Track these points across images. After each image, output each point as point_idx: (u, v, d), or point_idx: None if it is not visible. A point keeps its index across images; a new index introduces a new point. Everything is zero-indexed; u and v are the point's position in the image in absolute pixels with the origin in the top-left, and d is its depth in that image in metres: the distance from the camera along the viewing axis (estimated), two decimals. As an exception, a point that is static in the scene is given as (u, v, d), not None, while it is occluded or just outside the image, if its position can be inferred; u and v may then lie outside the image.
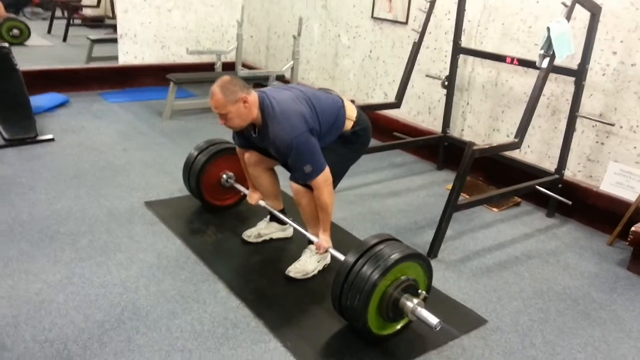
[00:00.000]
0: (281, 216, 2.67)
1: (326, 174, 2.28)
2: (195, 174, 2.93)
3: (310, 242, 2.52)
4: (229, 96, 2.19)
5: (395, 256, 1.98)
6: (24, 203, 2.99)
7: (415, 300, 2.00)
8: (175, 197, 3.24)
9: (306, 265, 2.48)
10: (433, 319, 1.94)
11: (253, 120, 2.29)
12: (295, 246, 2.71)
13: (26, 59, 5.22)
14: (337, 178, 2.46)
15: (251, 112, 2.25)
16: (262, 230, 2.77)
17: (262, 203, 2.75)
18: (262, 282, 2.45)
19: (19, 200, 3.02)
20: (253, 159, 2.59)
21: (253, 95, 2.26)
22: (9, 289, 2.25)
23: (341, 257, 2.20)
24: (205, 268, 2.51)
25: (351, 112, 2.46)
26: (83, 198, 3.12)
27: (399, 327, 2.12)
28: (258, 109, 2.27)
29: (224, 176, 3.01)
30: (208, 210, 3.07)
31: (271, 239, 2.79)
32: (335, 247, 2.42)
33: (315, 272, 2.50)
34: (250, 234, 2.76)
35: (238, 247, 2.74)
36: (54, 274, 2.37)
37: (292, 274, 2.45)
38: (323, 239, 2.41)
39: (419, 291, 2.06)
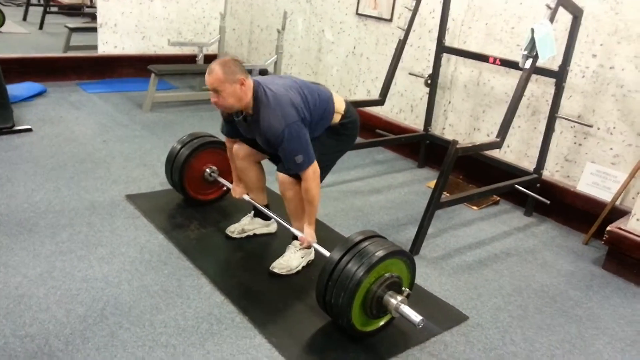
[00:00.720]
0: (265, 211, 2.67)
1: (315, 166, 2.29)
2: (178, 167, 2.90)
3: (295, 238, 2.52)
4: (228, 75, 2.18)
5: (379, 253, 2.00)
6: (1, 195, 2.93)
7: (399, 297, 2.02)
8: (156, 191, 3.20)
9: (290, 261, 2.49)
10: (416, 317, 1.97)
11: (245, 105, 2.27)
12: (279, 242, 2.71)
13: (1, 47, 5.08)
14: (325, 170, 2.47)
15: (246, 96, 2.24)
16: (246, 226, 2.76)
17: (246, 197, 2.74)
18: (246, 278, 2.45)
19: (-5, 191, 2.96)
20: (242, 151, 2.58)
21: (250, 81, 2.25)
22: (-14, 282, 2.20)
23: (326, 252, 2.21)
24: (189, 263, 2.49)
25: (340, 106, 2.47)
26: (63, 190, 3.06)
27: (382, 323, 2.14)
28: (252, 96, 2.26)
29: (207, 170, 2.99)
30: (191, 205, 3.05)
31: (255, 235, 2.78)
32: (319, 243, 2.42)
33: (299, 267, 2.51)
34: (234, 230, 2.75)
35: (222, 242, 2.73)
36: (34, 267, 2.33)
37: (276, 270, 2.46)
38: (308, 233, 2.41)
39: (403, 288, 2.08)
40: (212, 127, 4.38)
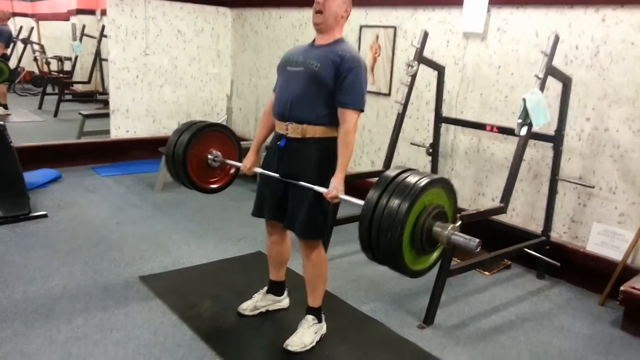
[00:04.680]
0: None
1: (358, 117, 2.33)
2: (180, 162, 2.70)
3: (308, 312, 2.53)
4: None
5: (421, 183, 1.86)
6: (18, 282, 2.98)
7: (450, 226, 1.90)
8: (169, 271, 3.25)
9: (304, 337, 2.48)
10: (472, 241, 1.86)
11: (331, 34, 2.35)
12: (292, 317, 2.71)
13: (18, 135, 5.30)
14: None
15: (338, 25, 2.36)
16: (258, 303, 2.78)
17: (257, 170, 2.62)
18: (260, 356, 2.44)
19: (12, 279, 3.01)
20: (275, 236, 2.65)
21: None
22: (3, 372, 2.21)
23: (357, 201, 2.08)
24: (203, 343, 2.49)
25: None
26: (77, 275, 3.11)
27: (432, 260, 2.04)
28: (337, 36, 2.37)
29: (210, 156, 2.83)
30: (203, 283, 3.08)
31: (267, 311, 2.79)
32: (330, 317, 2.42)
33: (314, 343, 2.50)
34: (247, 307, 2.76)
35: (235, 320, 2.73)
36: (50, 354, 2.34)
37: (290, 348, 2.45)
38: (336, 182, 2.27)
39: (457, 215, 2.00)
40: (221, 202, 4.48)
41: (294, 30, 5.37)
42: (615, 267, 3.11)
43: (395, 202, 1.84)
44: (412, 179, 1.89)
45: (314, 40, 2.43)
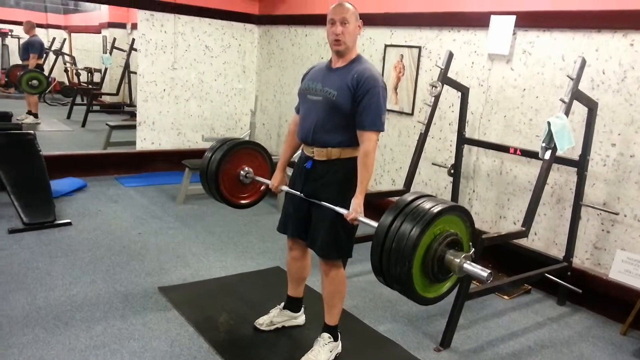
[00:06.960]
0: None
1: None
2: (213, 176, 2.82)
3: (325, 330, 2.53)
4: (356, 13, 2.35)
5: (435, 210, 1.87)
6: (41, 288, 3.04)
7: (462, 255, 1.90)
8: (188, 283, 3.28)
9: (319, 355, 2.47)
10: (483, 271, 1.85)
11: (348, 54, 2.37)
12: (308, 334, 2.71)
13: (46, 144, 5.44)
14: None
15: (355, 43, 2.38)
16: (275, 318, 2.78)
17: (284, 188, 2.66)
18: (275, 372, 2.44)
19: (35, 285, 3.08)
20: (296, 252, 2.66)
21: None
22: (23, 377, 2.25)
23: (374, 223, 2.07)
24: (218, 357, 2.51)
25: None
26: (98, 283, 3.17)
27: (445, 289, 2.04)
28: (355, 52, 2.40)
29: (242, 172, 2.91)
30: (220, 295, 3.10)
31: (283, 327, 2.79)
32: (346, 336, 2.41)
33: (328, 362, 2.49)
34: (263, 322, 2.77)
35: (251, 335, 2.74)
36: (69, 362, 2.38)
37: (305, 365, 2.45)
38: (356, 203, 2.28)
39: (470, 244, 2.00)
40: (242, 216, 4.52)
41: (319, 48, 5.43)
42: (638, 295, 3.04)
43: (404, 234, 1.86)
44: (424, 205, 1.91)
45: (330, 60, 2.46)
